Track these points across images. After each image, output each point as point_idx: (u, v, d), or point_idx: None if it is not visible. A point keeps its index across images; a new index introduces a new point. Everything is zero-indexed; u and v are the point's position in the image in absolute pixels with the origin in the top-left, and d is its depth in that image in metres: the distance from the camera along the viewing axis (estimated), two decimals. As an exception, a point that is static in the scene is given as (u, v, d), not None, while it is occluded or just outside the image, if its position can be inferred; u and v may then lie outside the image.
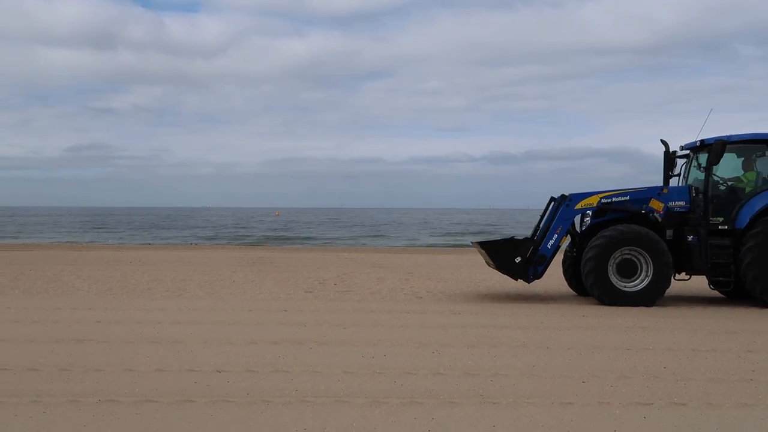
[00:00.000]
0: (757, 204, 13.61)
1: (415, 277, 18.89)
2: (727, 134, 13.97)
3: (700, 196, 14.03)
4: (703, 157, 14.30)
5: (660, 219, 14.04)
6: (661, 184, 14.66)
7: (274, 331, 10.35)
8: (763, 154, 14.12)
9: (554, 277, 15.64)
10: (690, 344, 9.74)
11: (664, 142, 14.80)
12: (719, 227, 13.87)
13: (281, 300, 13.98)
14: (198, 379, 7.57)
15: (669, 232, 13.95)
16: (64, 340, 9.61)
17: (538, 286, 15.59)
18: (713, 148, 13.69)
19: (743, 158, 14.27)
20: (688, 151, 15.04)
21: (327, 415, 6.34)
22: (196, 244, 44.49)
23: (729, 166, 14.39)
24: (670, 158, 15.11)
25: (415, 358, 8.69)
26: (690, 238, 13.77)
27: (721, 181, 14.21)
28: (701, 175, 14.23)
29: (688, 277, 14.33)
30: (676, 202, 14.15)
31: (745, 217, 13.63)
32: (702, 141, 14.33)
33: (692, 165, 14.86)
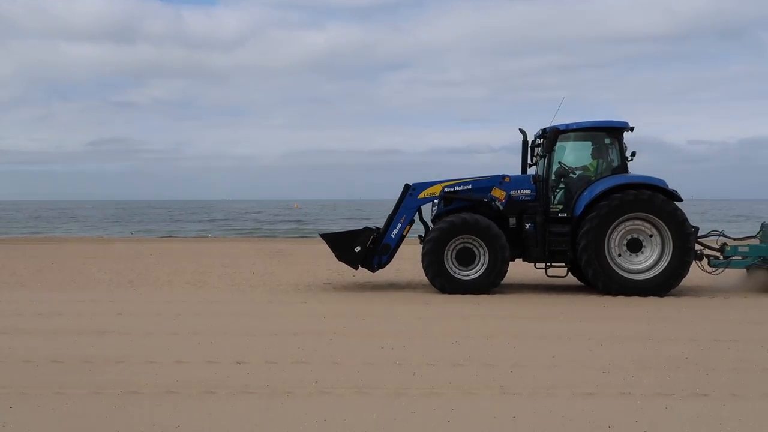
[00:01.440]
0: (595, 190, 13.60)
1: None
2: (572, 122, 14.11)
3: (542, 184, 14.11)
4: (557, 143, 14.23)
5: (502, 207, 14.12)
6: (503, 173, 14.50)
7: (294, 323, 10.38)
8: (605, 141, 14.18)
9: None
10: (712, 334, 9.65)
11: (522, 131, 14.67)
12: (559, 215, 13.96)
13: (300, 291, 14.01)
14: (218, 370, 7.60)
15: (512, 221, 14.04)
16: (86, 332, 9.69)
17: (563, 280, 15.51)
18: (548, 137, 13.90)
19: (593, 146, 14.31)
20: (541, 140, 14.87)
21: (347, 406, 6.35)
22: (215, 236, 44.68)
23: (581, 154, 14.48)
24: (527, 147, 14.91)
25: (434, 349, 8.68)
26: (528, 226, 13.85)
27: (565, 169, 14.26)
28: (557, 162, 14.28)
29: (566, 272, 14.27)
30: (519, 191, 14.20)
31: (582, 203, 13.67)
32: (543, 129, 14.35)
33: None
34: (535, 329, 9.95)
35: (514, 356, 8.29)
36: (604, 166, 14.10)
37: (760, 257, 14.10)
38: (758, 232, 14.68)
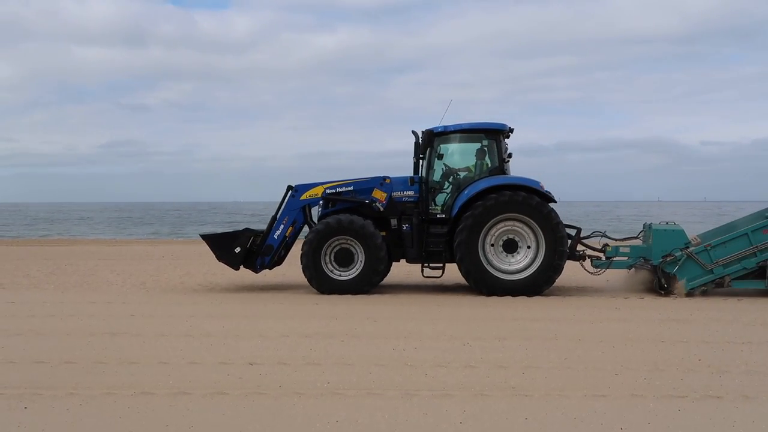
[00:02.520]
0: (471, 191, 13.71)
1: (447, 269, 18.78)
2: (450, 124, 14.22)
3: (422, 185, 14.23)
4: (438, 145, 14.33)
5: (382, 208, 14.21)
6: (384, 175, 14.58)
7: (306, 324, 10.40)
8: (484, 143, 14.34)
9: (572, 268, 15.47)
10: (725, 336, 9.61)
11: (414, 133, 14.60)
12: (438, 216, 14.08)
13: (312, 293, 14.03)
14: (231, 371, 7.63)
15: (393, 222, 14.14)
16: (99, 333, 9.75)
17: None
18: (422, 138, 14.02)
19: (476, 147, 14.44)
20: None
21: (359, 407, 6.36)
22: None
23: (467, 156, 14.59)
24: (419, 148, 14.82)
25: (446, 350, 8.68)
26: (405, 227, 14.00)
27: (450, 171, 14.41)
28: (436, 165, 14.38)
29: (441, 273, 14.30)
30: (400, 192, 14.33)
31: (458, 204, 13.78)
32: (424, 131, 14.34)
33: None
34: (547, 331, 9.93)
35: (526, 358, 8.29)
36: (482, 168, 14.30)
37: (641, 257, 14.25)
38: (640, 233, 14.81)
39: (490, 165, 14.25)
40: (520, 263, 13.69)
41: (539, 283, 13.50)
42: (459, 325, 10.36)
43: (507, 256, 13.75)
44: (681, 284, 13.53)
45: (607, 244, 14.77)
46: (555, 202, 13.81)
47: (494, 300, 13.04)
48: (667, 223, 14.64)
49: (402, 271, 17.94)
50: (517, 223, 13.65)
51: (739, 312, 11.70)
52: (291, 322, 10.66)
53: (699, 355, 8.43)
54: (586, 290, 14.52)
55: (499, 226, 13.67)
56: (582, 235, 14.61)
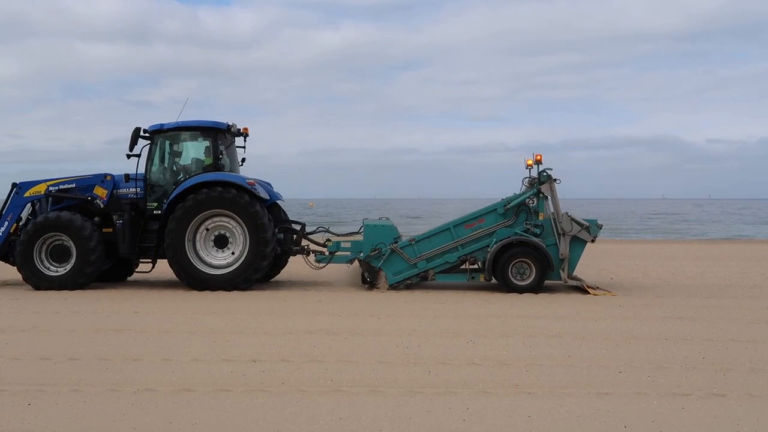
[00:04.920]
0: (184, 186, 13.94)
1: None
2: (167, 122, 14.47)
3: (141, 182, 14.39)
4: (158, 143, 14.54)
5: (103, 205, 14.41)
6: (107, 172, 14.75)
7: (309, 321, 10.40)
8: (201, 141, 14.64)
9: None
10: (729, 334, 9.59)
11: (136, 129, 14.52)
12: (154, 212, 14.29)
13: (315, 290, 14.03)
14: (234, 368, 7.64)
15: (116, 218, 14.24)
16: (103, 330, 9.76)
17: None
18: (132, 135, 14.11)
19: (194, 145, 14.77)
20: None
21: (362, 404, 6.37)
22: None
23: (185, 152, 14.88)
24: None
25: (449, 348, 8.67)
26: (118, 223, 14.13)
27: (165, 168, 14.64)
28: (156, 162, 14.56)
29: (151, 268, 14.69)
30: (123, 189, 14.56)
31: (169, 199, 14.00)
32: (143, 129, 14.49)
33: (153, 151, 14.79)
34: (551, 328, 9.92)
35: (530, 355, 8.28)
36: (199, 165, 14.56)
37: (360, 252, 14.47)
38: (360, 228, 15.01)
39: (206, 162, 14.54)
40: (227, 259, 14.10)
41: (239, 281, 13.83)
42: (462, 323, 10.36)
43: (218, 251, 14.12)
44: (384, 278, 14.01)
45: (329, 240, 15.12)
46: (264, 200, 14.15)
47: (498, 298, 13.03)
48: (379, 219, 15.10)
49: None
50: (229, 220, 14.01)
51: (743, 310, 11.68)
52: (294, 319, 10.67)
53: (703, 353, 8.42)
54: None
55: (210, 221, 14.02)
56: (306, 231, 15.19)
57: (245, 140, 15.51)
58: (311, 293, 13.63)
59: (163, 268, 15.00)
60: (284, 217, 15.51)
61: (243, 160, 15.42)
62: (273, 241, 13.92)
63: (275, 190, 15.69)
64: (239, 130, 15.22)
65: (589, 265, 19.06)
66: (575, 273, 14.21)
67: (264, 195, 14.26)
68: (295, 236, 15.07)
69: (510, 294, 13.34)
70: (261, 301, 12.66)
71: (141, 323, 10.26)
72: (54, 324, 10.22)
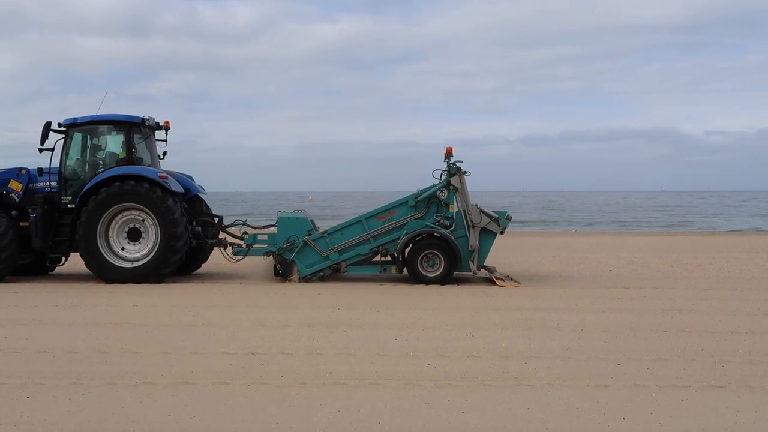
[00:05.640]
0: (96, 179, 13.99)
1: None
2: (81, 116, 14.48)
3: (56, 176, 14.39)
4: (72, 136, 14.54)
5: (18, 199, 14.40)
6: (22, 166, 14.75)
7: (308, 314, 10.40)
8: (115, 134, 14.75)
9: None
10: (727, 326, 9.60)
11: (47, 123, 14.54)
12: (69, 206, 14.32)
13: (314, 283, 14.03)
14: (233, 361, 7.64)
15: (30, 212, 14.19)
16: (102, 323, 9.76)
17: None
18: (42, 130, 14.13)
19: (108, 138, 14.82)
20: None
21: (361, 397, 6.37)
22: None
23: (100, 146, 14.90)
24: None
25: (448, 340, 8.68)
26: (32, 217, 14.09)
27: (80, 161, 14.64)
28: (71, 155, 14.58)
29: (63, 260, 14.80)
30: (38, 183, 14.54)
31: (82, 192, 14.06)
32: (59, 123, 14.53)
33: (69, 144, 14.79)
34: (549, 321, 9.93)
35: (528, 348, 8.29)
36: (113, 159, 14.63)
37: (277, 245, 14.59)
38: (276, 222, 15.09)
39: (120, 156, 14.59)
40: (139, 252, 14.19)
41: (149, 274, 13.89)
42: (461, 315, 10.36)
43: (130, 244, 14.23)
44: (297, 270, 14.20)
45: (246, 232, 15.27)
46: (177, 193, 14.24)
47: (496, 290, 13.04)
48: (294, 212, 15.19)
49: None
50: (141, 213, 14.10)
51: (742, 302, 11.69)
52: (293, 312, 10.67)
53: (702, 345, 8.43)
54: (585, 281, 14.49)
55: (122, 215, 14.12)
56: (225, 224, 15.41)
57: (167, 134, 15.62)
58: (309, 286, 13.62)
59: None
60: (206, 210, 15.57)
61: (164, 153, 15.53)
62: (185, 235, 14.03)
63: (195, 182, 15.76)
64: (158, 123, 15.27)
65: (588, 257, 19.11)
66: (491, 264, 14.64)
67: (177, 189, 14.35)
68: (213, 229, 15.19)
69: (508, 288, 13.33)
70: (260, 294, 12.66)
71: (140, 316, 10.26)
72: (53, 317, 10.22)
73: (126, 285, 13.73)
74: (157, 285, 13.78)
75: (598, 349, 8.26)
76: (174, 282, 14.20)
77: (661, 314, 10.51)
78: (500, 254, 20.41)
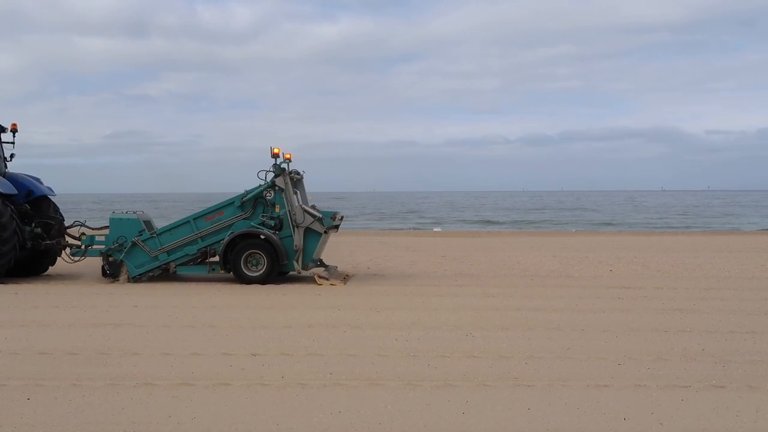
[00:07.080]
0: None
1: (449, 260, 18.83)
2: None
3: None
4: None
5: None
6: None
7: (308, 315, 10.40)
8: None
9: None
10: (728, 326, 9.60)
11: None
12: None
13: (314, 284, 14.03)
14: (233, 362, 7.63)
15: None
16: (102, 324, 9.75)
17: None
18: None
19: None
20: None
21: (361, 397, 6.36)
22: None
23: None
24: None
25: (448, 341, 8.67)
26: None
27: None
28: None
29: None
30: None
31: None
32: None
33: None
34: (550, 321, 9.92)
35: (529, 348, 8.28)
36: None
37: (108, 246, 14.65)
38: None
39: None
40: None
41: None
42: (461, 316, 10.36)
43: None
44: (126, 270, 14.25)
45: (83, 233, 15.23)
46: (10, 196, 14.13)
47: (497, 290, 13.03)
48: (125, 212, 15.19)
49: (404, 261, 17.96)
50: None
51: (742, 302, 11.69)
52: (293, 312, 10.67)
53: (702, 345, 8.42)
54: (585, 281, 14.49)
55: None
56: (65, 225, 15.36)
57: (14, 136, 15.42)
58: (310, 287, 13.61)
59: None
60: (52, 212, 15.45)
61: (12, 155, 15.33)
62: (13, 239, 13.89)
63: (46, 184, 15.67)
64: (2, 126, 15.12)
65: (588, 257, 19.13)
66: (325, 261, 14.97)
67: (8, 191, 14.23)
68: (53, 230, 15.10)
69: (509, 287, 13.33)
70: (260, 295, 12.65)
71: (140, 318, 10.26)
72: (53, 318, 10.21)
73: (126, 285, 13.73)
74: (157, 285, 13.78)
75: (598, 349, 8.26)
76: (174, 282, 14.20)
77: (662, 314, 10.50)
78: (500, 254, 20.44)
